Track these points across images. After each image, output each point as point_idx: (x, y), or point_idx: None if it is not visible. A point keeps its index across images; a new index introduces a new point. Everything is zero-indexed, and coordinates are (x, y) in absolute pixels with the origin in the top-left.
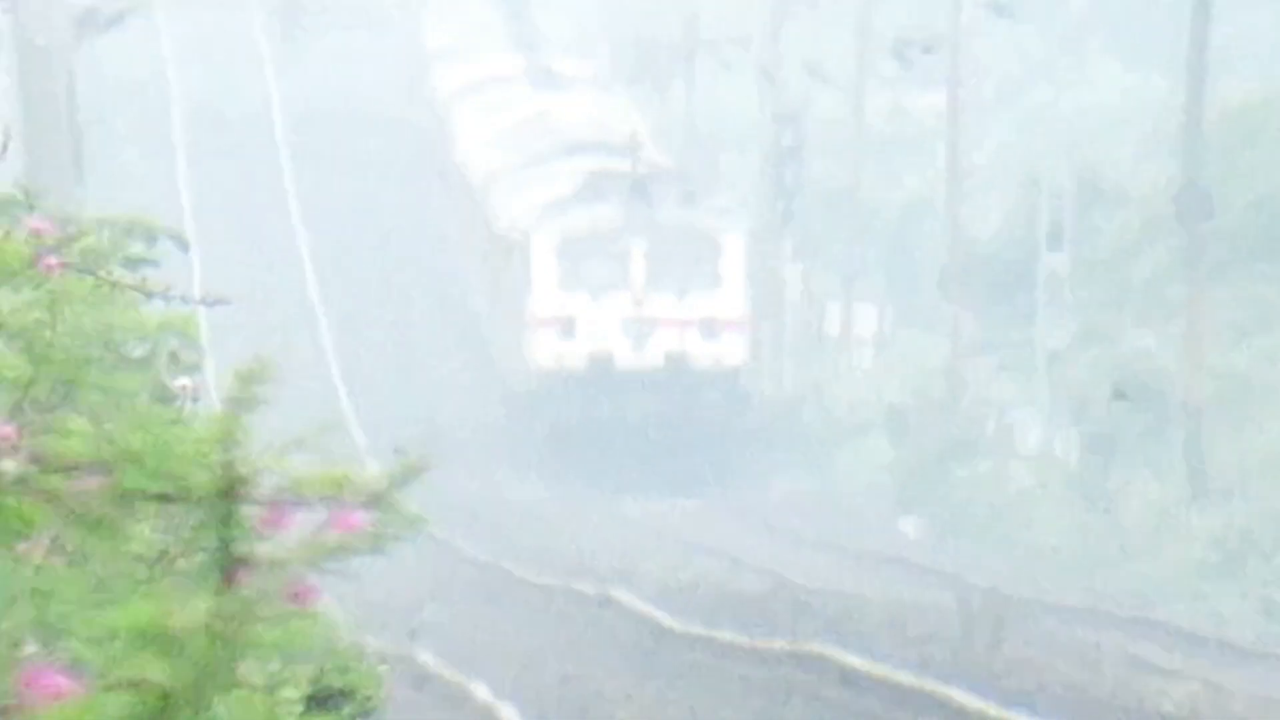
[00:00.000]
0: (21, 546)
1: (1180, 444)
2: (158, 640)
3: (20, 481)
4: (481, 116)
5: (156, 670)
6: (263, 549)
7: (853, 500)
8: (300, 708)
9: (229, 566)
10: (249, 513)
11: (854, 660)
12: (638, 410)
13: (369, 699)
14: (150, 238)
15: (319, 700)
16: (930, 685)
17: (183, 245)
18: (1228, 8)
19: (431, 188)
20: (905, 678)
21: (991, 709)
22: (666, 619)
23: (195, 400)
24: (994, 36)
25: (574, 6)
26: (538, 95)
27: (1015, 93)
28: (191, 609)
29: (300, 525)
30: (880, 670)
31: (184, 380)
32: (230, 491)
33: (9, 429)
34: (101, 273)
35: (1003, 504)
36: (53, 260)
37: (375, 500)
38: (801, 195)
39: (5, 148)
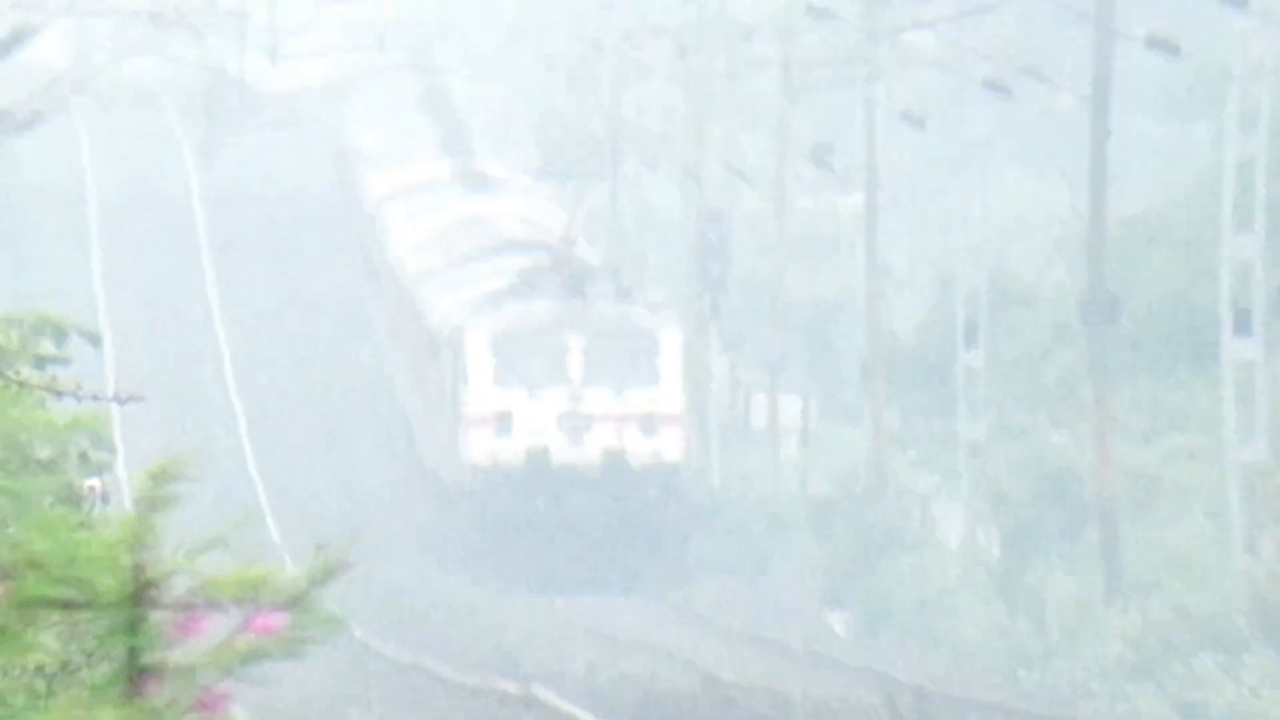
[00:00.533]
0: None
1: (1096, 541)
2: None
3: None
4: (412, 219)
5: None
6: (173, 657)
7: (781, 593)
8: None
9: (136, 676)
10: (159, 618)
11: None
12: (574, 507)
13: None
14: (60, 335)
15: None
16: None
17: (94, 341)
18: (1124, 119)
19: (357, 283)
20: None
21: None
22: (590, 719)
23: (106, 501)
24: (905, 142)
25: (499, 105)
26: (468, 198)
27: (927, 197)
28: None
29: (214, 629)
30: None
31: (93, 481)
32: (140, 597)
33: None
34: (9, 372)
35: (928, 598)
36: None
37: (293, 601)
38: (726, 290)
39: None
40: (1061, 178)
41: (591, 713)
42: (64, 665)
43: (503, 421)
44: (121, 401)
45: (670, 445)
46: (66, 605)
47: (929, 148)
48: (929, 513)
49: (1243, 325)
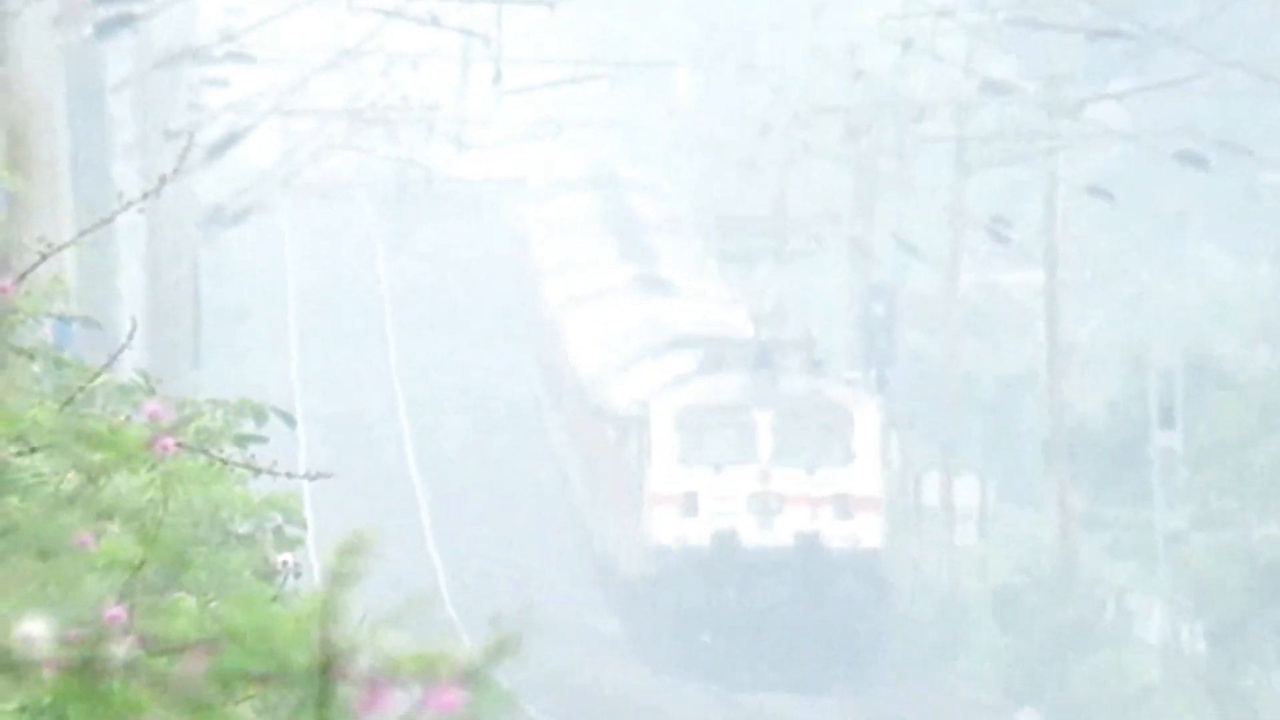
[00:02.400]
0: None
1: None
2: None
3: (129, 666)
4: (593, 321)
5: None
6: None
7: (966, 690)
8: None
9: None
10: (346, 692)
11: None
12: (765, 594)
13: None
14: (260, 416)
15: None
16: None
17: (290, 422)
18: None
19: (530, 369)
20: None
21: None
22: None
23: (297, 575)
24: (1091, 217)
25: (668, 194)
26: (648, 300)
27: (1115, 273)
28: None
29: (396, 703)
30: None
31: (286, 555)
32: (328, 671)
33: (119, 611)
34: (213, 451)
35: (1126, 697)
36: (167, 441)
37: (469, 678)
38: (894, 366)
39: (131, 336)
40: (1262, 256)
41: None
42: None
43: (689, 501)
44: (312, 478)
45: (869, 530)
46: (262, 678)
47: (1115, 223)
48: (1124, 605)
49: None
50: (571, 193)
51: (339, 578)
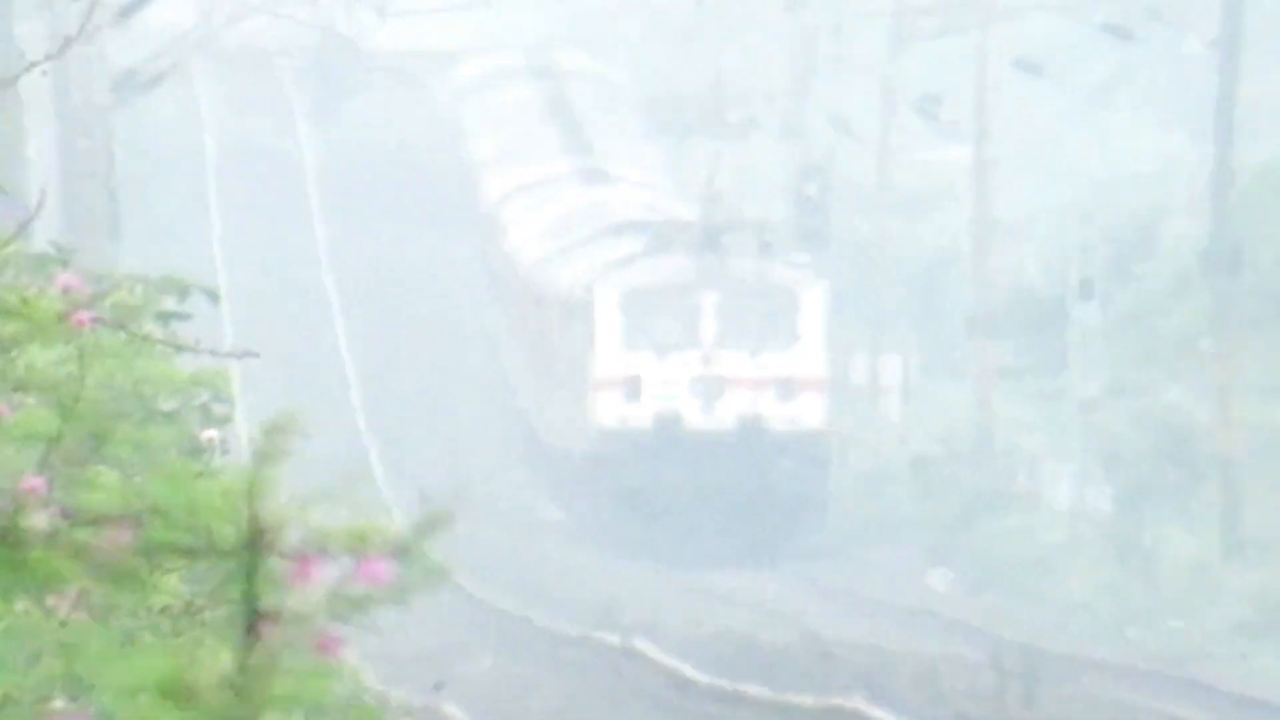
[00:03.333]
0: (49, 600)
1: (1215, 499)
2: (182, 694)
3: (49, 536)
4: (531, 211)
5: None
6: (288, 602)
7: (879, 553)
8: None
9: (254, 620)
10: (275, 566)
11: (885, 717)
12: (707, 476)
13: None
14: (182, 292)
15: None
16: None
17: (213, 298)
18: (1254, 68)
19: (461, 253)
20: None
21: None
22: (690, 671)
23: (225, 453)
24: (1020, 92)
25: (605, 75)
26: (588, 189)
27: (1041, 148)
28: (215, 662)
29: (326, 578)
30: None
31: (211, 432)
32: (256, 545)
33: (38, 482)
34: (133, 328)
35: (1034, 558)
36: (84, 316)
37: (401, 551)
38: (826, 247)
39: (40, 205)
40: (1185, 129)
41: (690, 665)
42: (187, 607)
43: (631, 385)
44: (239, 357)
45: (811, 410)
46: (188, 551)
47: (1045, 97)
48: (1037, 471)
49: None
50: (508, 81)
51: (267, 455)
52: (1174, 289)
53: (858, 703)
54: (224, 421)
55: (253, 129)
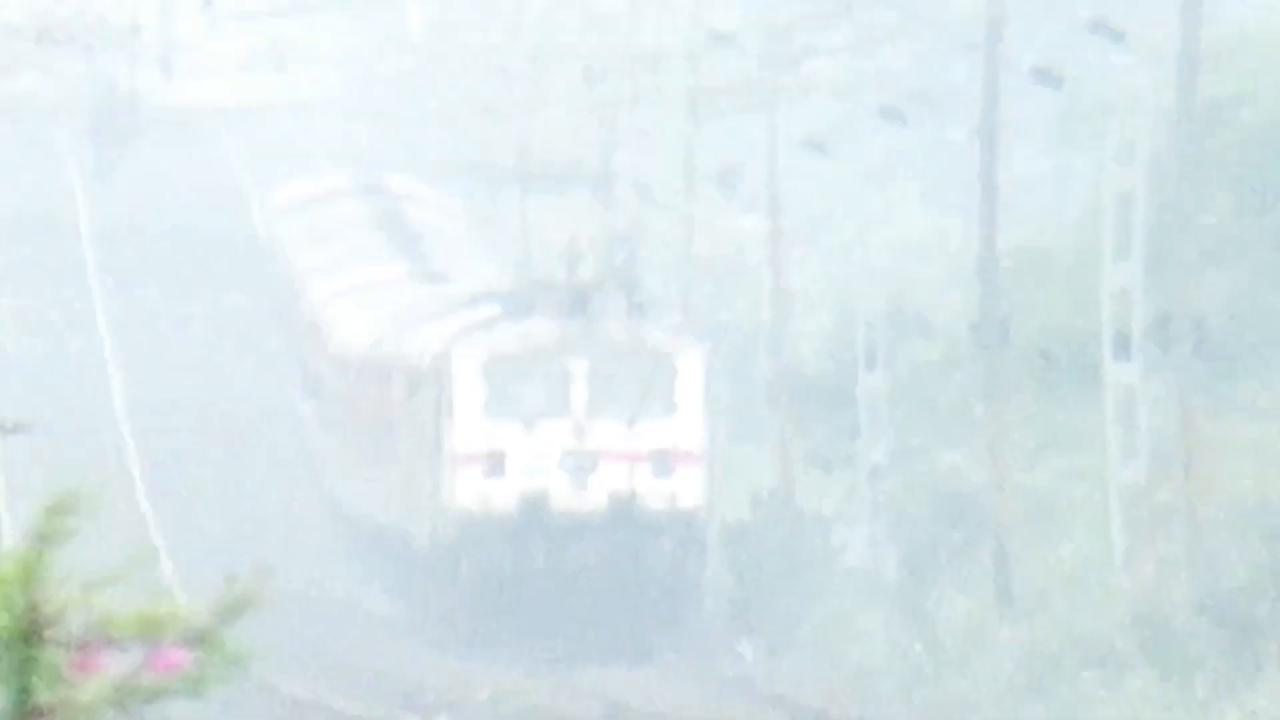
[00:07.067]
0: None
1: (989, 560)
2: None
3: None
4: (365, 309)
5: None
6: (70, 695)
7: (700, 629)
8: None
9: (30, 715)
10: (55, 656)
11: None
12: (576, 561)
13: None
14: None
15: None
16: None
17: None
18: (1014, 150)
19: (261, 313)
20: None
21: None
22: None
23: None
24: (808, 168)
25: (408, 139)
26: (429, 287)
27: (828, 223)
28: None
29: (114, 668)
30: None
31: None
32: (33, 634)
33: None
34: None
35: (829, 621)
36: None
37: (199, 638)
38: (643, 315)
39: None
40: (953, 209)
41: None
42: None
43: (494, 460)
44: (7, 431)
45: (689, 488)
46: None
47: (830, 175)
48: (832, 536)
49: (1121, 350)
50: (334, 198)
51: (46, 536)
52: (949, 358)
53: None
54: None
55: (26, 189)
